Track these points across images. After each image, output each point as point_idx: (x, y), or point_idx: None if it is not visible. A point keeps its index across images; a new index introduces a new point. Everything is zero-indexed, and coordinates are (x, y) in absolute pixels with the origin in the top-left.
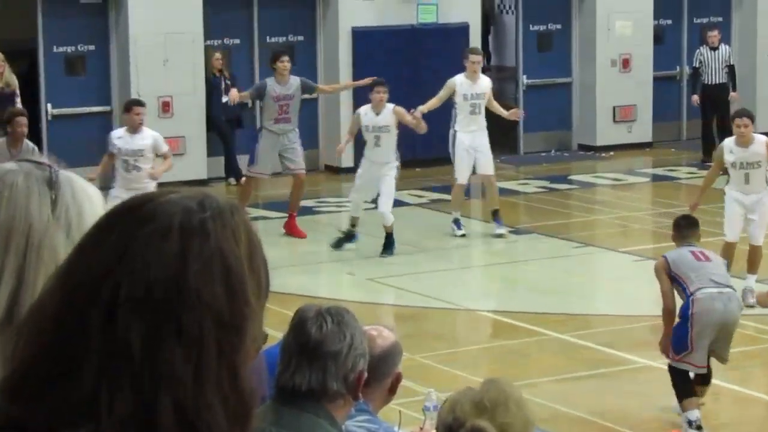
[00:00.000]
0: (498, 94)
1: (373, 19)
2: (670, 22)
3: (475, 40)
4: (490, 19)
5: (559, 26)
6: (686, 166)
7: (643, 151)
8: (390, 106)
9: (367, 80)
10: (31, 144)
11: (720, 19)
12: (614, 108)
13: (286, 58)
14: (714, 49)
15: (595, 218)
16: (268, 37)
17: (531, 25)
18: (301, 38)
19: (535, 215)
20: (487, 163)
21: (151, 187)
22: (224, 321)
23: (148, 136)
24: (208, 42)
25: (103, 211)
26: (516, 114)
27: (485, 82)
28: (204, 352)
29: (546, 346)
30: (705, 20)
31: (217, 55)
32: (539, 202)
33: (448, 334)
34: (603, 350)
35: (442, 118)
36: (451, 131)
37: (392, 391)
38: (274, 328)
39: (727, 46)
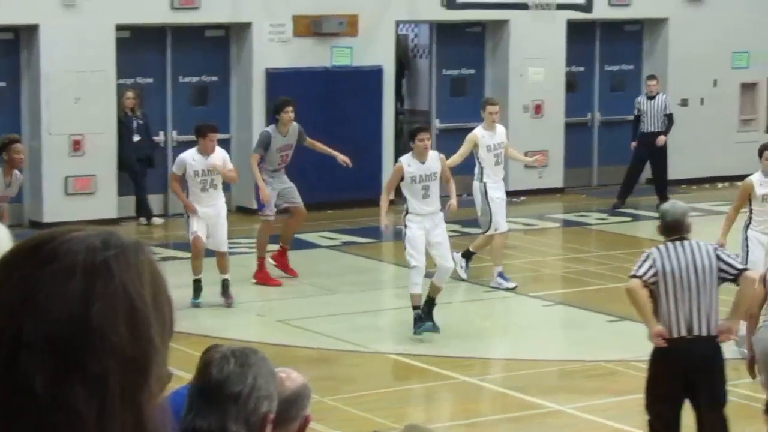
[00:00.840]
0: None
1: (287, 60)
2: (582, 69)
3: (388, 83)
4: (404, 62)
5: (472, 71)
6: (597, 212)
7: (554, 196)
8: (434, 152)
9: (343, 158)
10: (20, 174)
11: (632, 67)
12: (526, 154)
13: (290, 108)
14: (651, 98)
15: (506, 263)
16: (181, 77)
17: (444, 70)
18: (215, 78)
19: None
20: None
21: (222, 202)
22: (128, 360)
23: (219, 156)
24: (121, 81)
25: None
26: (539, 161)
27: (502, 131)
28: (107, 391)
29: (456, 389)
30: (616, 68)
31: (129, 93)
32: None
33: (357, 376)
34: (513, 395)
35: (363, 161)
36: (479, 184)
37: None
38: (183, 370)
39: (664, 96)
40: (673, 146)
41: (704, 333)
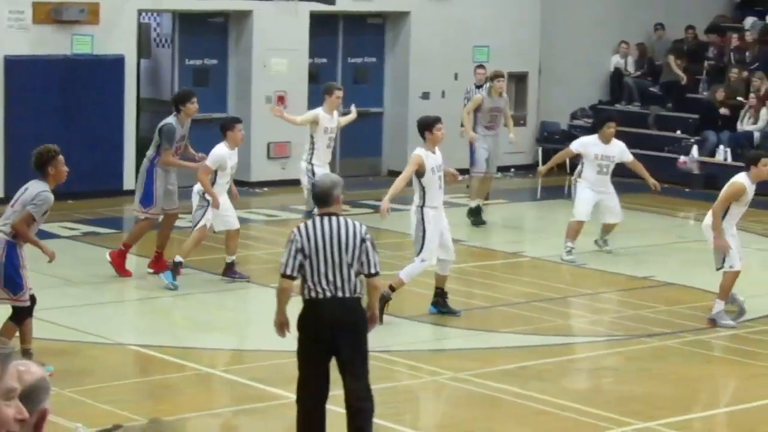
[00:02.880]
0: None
1: (27, 48)
2: (325, 60)
3: (130, 72)
4: (146, 51)
5: (215, 62)
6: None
7: (296, 188)
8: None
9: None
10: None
11: (374, 59)
12: (269, 144)
13: (195, 99)
14: (479, 86)
15: (249, 254)
16: None
17: (187, 60)
18: None
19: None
20: None
21: None
22: None
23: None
24: None
25: None
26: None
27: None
28: None
29: (198, 381)
30: (359, 60)
31: None
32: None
33: (98, 368)
34: (254, 385)
35: (103, 151)
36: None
37: (38, 427)
38: None
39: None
40: (415, 138)
41: (348, 295)
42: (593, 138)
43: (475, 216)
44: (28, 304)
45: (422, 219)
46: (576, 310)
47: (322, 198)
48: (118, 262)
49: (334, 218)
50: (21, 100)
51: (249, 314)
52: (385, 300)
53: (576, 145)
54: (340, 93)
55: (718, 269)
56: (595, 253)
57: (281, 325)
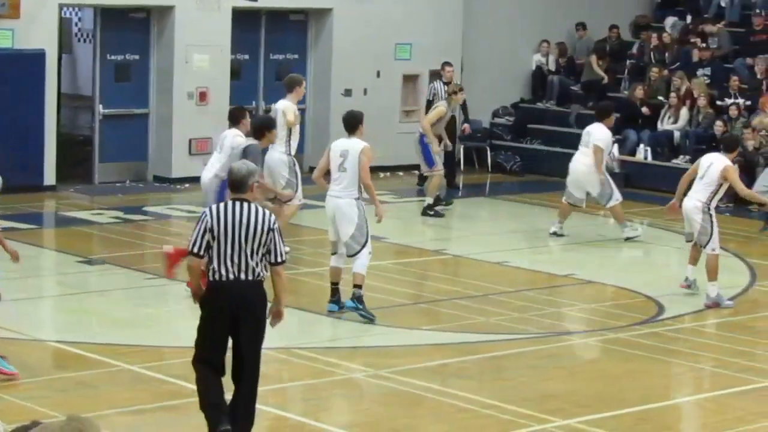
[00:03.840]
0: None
1: None
2: (247, 57)
3: (51, 67)
4: (67, 46)
5: (137, 57)
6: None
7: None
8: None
9: None
10: None
11: (296, 56)
12: (191, 140)
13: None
14: (447, 83)
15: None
16: None
17: (109, 55)
18: None
19: (109, 246)
20: None
21: None
22: None
23: None
24: None
25: None
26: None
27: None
28: None
29: (116, 377)
30: (281, 56)
31: None
32: (113, 232)
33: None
34: (174, 382)
35: (25, 146)
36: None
37: None
38: None
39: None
40: (337, 135)
41: (250, 278)
42: (604, 128)
43: (436, 207)
44: None
45: (363, 211)
46: (496, 308)
47: (237, 184)
48: (175, 261)
49: (245, 204)
50: None
51: (168, 310)
52: (359, 298)
53: (603, 142)
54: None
55: (702, 247)
56: (518, 251)
57: (195, 296)
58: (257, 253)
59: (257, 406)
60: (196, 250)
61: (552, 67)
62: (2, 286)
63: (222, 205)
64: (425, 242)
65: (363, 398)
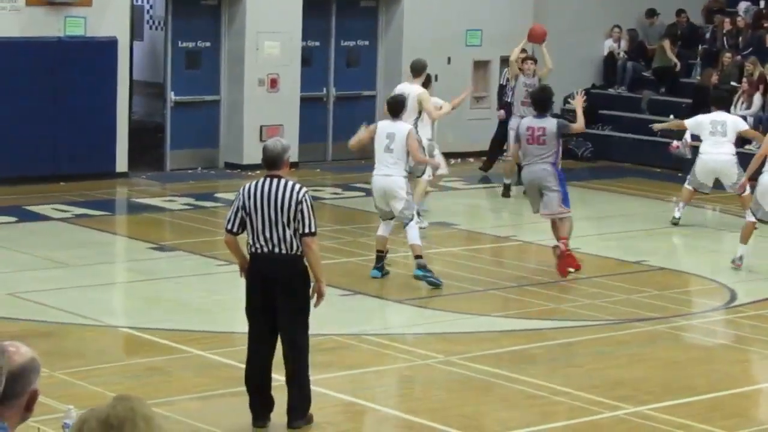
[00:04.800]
0: (146, 110)
1: (18, 30)
2: (318, 44)
3: (123, 54)
4: (139, 34)
5: (208, 44)
6: (331, 187)
7: (290, 171)
8: None
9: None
10: None
11: (367, 42)
12: (261, 127)
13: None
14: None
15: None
16: None
17: (180, 42)
18: None
19: (180, 232)
20: None
21: None
22: None
23: None
24: None
25: None
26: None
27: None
28: None
29: (187, 363)
30: (352, 43)
31: None
32: (185, 219)
33: (88, 350)
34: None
35: (96, 134)
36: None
37: (29, 408)
38: None
39: None
40: None
41: (284, 252)
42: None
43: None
44: None
45: (408, 186)
46: (566, 294)
47: (272, 161)
48: (570, 261)
49: (275, 179)
50: (12, 82)
51: (238, 297)
52: (423, 266)
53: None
54: None
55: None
56: (588, 238)
57: (241, 269)
58: (289, 227)
59: (323, 390)
60: (230, 227)
61: (623, 53)
62: (75, 272)
63: (254, 182)
64: (495, 228)
65: (432, 384)
